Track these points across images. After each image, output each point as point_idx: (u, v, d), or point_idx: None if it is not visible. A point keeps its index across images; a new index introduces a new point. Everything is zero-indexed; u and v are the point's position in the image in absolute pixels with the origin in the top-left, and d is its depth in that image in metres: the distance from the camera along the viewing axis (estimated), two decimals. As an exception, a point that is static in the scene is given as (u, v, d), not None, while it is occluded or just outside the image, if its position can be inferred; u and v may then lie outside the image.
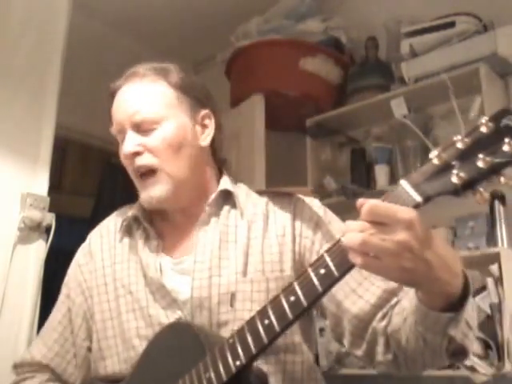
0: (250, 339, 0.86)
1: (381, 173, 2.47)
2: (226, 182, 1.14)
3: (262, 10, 2.82)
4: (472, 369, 1.85)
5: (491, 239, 2.06)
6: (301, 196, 1.13)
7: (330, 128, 2.72)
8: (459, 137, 0.69)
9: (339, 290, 0.99)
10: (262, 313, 0.86)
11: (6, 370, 1.78)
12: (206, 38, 3.10)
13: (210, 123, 1.16)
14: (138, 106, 1.09)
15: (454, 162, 0.69)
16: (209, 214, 1.11)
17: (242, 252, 1.06)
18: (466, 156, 0.68)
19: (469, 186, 0.68)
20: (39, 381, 1.14)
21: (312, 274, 0.79)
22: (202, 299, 1.03)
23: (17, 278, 1.84)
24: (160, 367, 1.00)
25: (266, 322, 0.84)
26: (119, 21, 3.01)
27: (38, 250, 1.92)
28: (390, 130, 2.51)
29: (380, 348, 0.94)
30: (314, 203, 1.12)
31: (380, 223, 0.70)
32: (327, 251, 0.78)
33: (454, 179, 0.68)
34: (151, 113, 1.08)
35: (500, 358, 1.86)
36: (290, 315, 0.82)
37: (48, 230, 1.93)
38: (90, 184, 3.94)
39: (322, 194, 2.54)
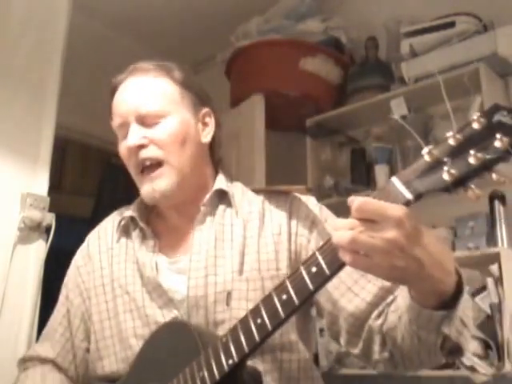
0: (242, 338, 0.86)
1: (381, 173, 2.47)
2: (221, 182, 1.14)
3: (262, 10, 2.82)
4: (472, 369, 1.85)
5: (491, 239, 2.06)
6: (297, 194, 1.12)
7: (330, 128, 2.72)
8: (451, 133, 0.69)
9: (335, 289, 0.99)
10: (255, 311, 0.86)
11: (6, 369, 1.78)
12: (205, 38, 3.10)
13: (211, 121, 1.16)
14: (142, 98, 1.09)
15: (445, 159, 0.68)
16: (204, 214, 1.11)
17: (237, 251, 1.06)
18: (458, 152, 0.67)
19: (460, 182, 0.67)
20: (41, 368, 1.15)
21: (304, 273, 0.79)
22: (198, 298, 1.03)
23: (17, 278, 1.84)
24: (155, 366, 1.00)
25: (259, 320, 0.84)
26: (119, 21, 3.01)
27: (38, 249, 1.91)
28: (390, 130, 2.51)
29: (376, 346, 0.94)
30: (310, 201, 1.12)
31: (370, 220, 0.69)
32: (319, 249, 0.78)
33: (445, 176, 0.67)
34: (156, 106, 1.08)
35: (500, 358, 1.86)
36: (281, 314, 0.82)
37: (48, 229, 1.93)
38: (89, 184, 3.94)
39: (321, 193, 2.54)
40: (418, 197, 0.70)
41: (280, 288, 0.83)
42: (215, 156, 1.19)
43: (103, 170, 3.68)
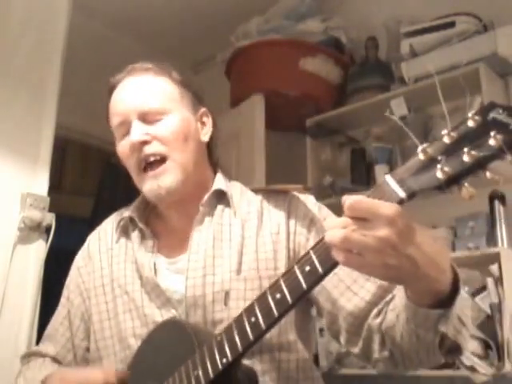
0: (236, 337, 0.86)
1: (381, 173, 2.47)
2: (219, 182, 1.15)
3: (262, 10, 2.82)
4: (472, 369, 1.85)
5: (491, 239, 2.06)
6: (296, 193, 1.12)
7: (330, 128, 2.72)
8: (445, 131, 0.68)
9: (334, 288, 0.99)
10: (250, 310, 0.86)
11: (6, 369, 1.78)
12: (205, 38, 3.10)
13: (208, 121, 1.17)
14: (143, 96, 1.09)
15: (439, 157, 0.67)
16: (203, 214, 1.11)
17: (236, 251, 1.06)
18: (452, 150, 0.66)
19: (454, 180, 0.66)
20: (42, 359, 1.16)
21: (298, 271, 0.79)
22: (196, 298, 1.03)
23: (17, 278, 1.84)
24: (152, 365, 1.00)
25: (253, 319, 0.84)
26: (119, 21, 3.01)
27: (38, 250, 1.92)
28: (390, 130, 2.51)
29: (376, 345, 0.94)
30: (309, 200, 1.12)
31: (362, 219, 0.69)
32: (313, 248, 0.78)
33: (439, 174, 0.66)
34: (157, 103, 1.09)
35: (500, 358, 1.86)
36: (275, 313, 0.82)
37: (48, 230, 1.93)
38: (89, 184, 3.94)
39: (321, 193, 2.54)
40: (412, 195, 0.69)
41: (274, 287, 0.83)
42: (213, 156, 1.20)
43: (103, 169, 3.68)
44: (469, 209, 2.14)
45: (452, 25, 2.32)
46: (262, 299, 0.84)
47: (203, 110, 1.17)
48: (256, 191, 1.16)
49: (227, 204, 1.12)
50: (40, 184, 1.96)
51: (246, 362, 0.95)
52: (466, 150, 0.65)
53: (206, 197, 1.11)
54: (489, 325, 1.91)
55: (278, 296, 0.81)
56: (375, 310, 0.95)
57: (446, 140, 0.67)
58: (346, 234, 0.68)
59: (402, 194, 0.69)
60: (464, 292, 0.82)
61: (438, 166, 0.66)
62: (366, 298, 0.96)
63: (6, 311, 1.79)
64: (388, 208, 0.68)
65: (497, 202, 2.09)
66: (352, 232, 0.69)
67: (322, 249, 0.75)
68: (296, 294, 0.80)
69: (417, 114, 2.41)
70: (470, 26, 2.29)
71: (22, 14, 1.99)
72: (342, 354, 2.19)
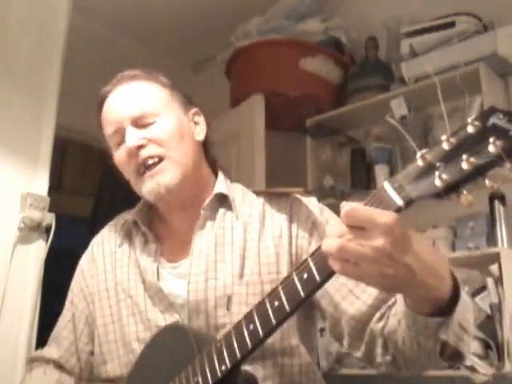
0: (235, 344, 0.86)
1: (381, 173, 2.47)
2: (221, 185, 1.14)
3: (262, 10, 2.82)
4: (472, 369, 1.86)
5: (491, 239, 2.06)
6: (298, 196, 1.12)
7: (330, 128, 2.72)
8: (445, 137, 0.66)
9: (336, 292, 0.99)
10: (249, 317, 0.85)
11: (7, 370, 1.78)
12: (205, 38, 3.10)
13: (201, 120, 1.18)
14: (134, 101, 1.10)
15: (438, 164, 0.65)
16: (204, 218, 1.11)
17: (238, 254, 1.06)
18: (451, 157, 0.65)
19: (452, 188, 0.64)
20: (44, 367, 1.17)
21: (296, 279, 0.78)
22: (198, 302, 1.03)
23: (17, 278, 1.84)
24: (153, 370, 1.00)
25: (251, 326, 0.84)
26: (119, 21, 3.01)
27: (38, 250, 1.91)
28: (390, 130, 2.51)
29: (379, 349, 0.93)
30: (311, 202, 1.11)
31: (359, 227, 0.68)
32: (311, 255, 0.77)
33: (437, 181, 0.65)
34: (149, 107, 1.09)
35: (500, 358, 1.86)
36: (273, 321, 0.81)
37: (48, 230, 1.93)
38: (90, 184, 3.94)
39: (321, 193, 2.54)
40: (409, 203, 0.67)
41: (273, 294, 0.82)
42: (209, 156, 1.20)
43: (103, 170, 3.68)
44: (469, 209, 2.14)
45: (452, 25, 2.32)
46: (260, 306, 0.84)
47: (194, 109, 1.17)
48: (258, 193, 1.16)
49: (229, 207, 1.12)
50: (40, 184, 1.96)
51: (248, 367, 0.96)
52: (464, 156, 0.63)
53: (207, 200, 1.11)
54: (489, 325, 1.91)
55: (277, 304, 0.81)
56: (377, 314, 0.94)
57: (445, 146, 0.65)
58: (342, 243, 0.67)
59: (399, 201, 0.67)
60: (466, 297, 0.81)
61: (437, 173, 0.65)
62: (368, 302, 0.96)
63: (5, 311, 1.79)
64: (385, 217, 0.66)
65: (497, 202, 2.09)
66: (348, 241, 0.68)
67: (320, 257, 0.75)
68: (294, 302, 0.79)
69: (417, 113, 2.41)
70: (470, 25, 2.29)
71: (21, 14, 1.99)
72: (342, 354, 2.19)
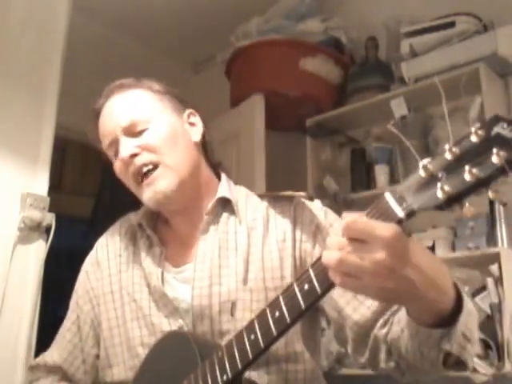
0: (236, 354, 0.85)
1: (381, 173, 2.47)
2: (223, 189, 1.14)
3: (262, 10, 2.82)
4: (472, 369, 1.86)
5: (491, 239, 2.06)
6: (302, 199, 1.11)
7: (330, 128, 2.72)
8: (448, 146, 0.64)
9: (340, 297, 0.98)
10: (250, 327, 0.85)
11: (7, 370, 1.78)
12: (205, 37, 3.10)
13: (197, 120, 1.17)
14: (124, 111, 1.10)
15: (440, 174, 0.64)
16: (207, 223, 1.11)
17: (242, 259, 1.05)
18: (453, 167, 0.63)
19: (454, 200, 0.63)
20: (51, 380, 1.16)
21: (297, 289, 0.78)
22: (202, 308, 1.03)
23: (17, 278, 1.84)
24: (156, 377, 1.00)
25: (252, 336, 0.84)
26: (119, 21, 3.01)
27: (38, 250, 1.91)
28: (390, 131, 2.51)
29: (382, 355, 0.93)
30: (315, 205, 1.11)
31: (360, 240, 0.67)
32: (312, 265, 0.76)
33: (439, 193, 0.63)
34: (139, 114, 1.09)
35: (500, 358, 1.86)
36: (274, 331, 0.81)
37: (48, 230, 1.93)
38: (89, 184, 3.94)
39: (321, 194, 2.54)
40: (411, 215, 0.66)
41: (274, 304, 0.82)
42: (210, 156, 1.19)
43: (103, 170, 3.68)
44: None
45: (452, 25, 2.32)
46: (261, 316, 0.84)
47: (189, 110, 1.17)
48: (261, 196, 1.16)
49: (232, 212, 1.12)
50: (40, 184, 1.96)
51: (252, 373, 0.96)
52: (467, 167, 0.62)
53: (210, 205, 1.11)
54: (489, 325, 1.91)
55: (277, 314, 0.81)
56: (381, 321, 0.94)
57: (448, 156, 0.64)
58: (342, 256, 0.67)
59: (400, 213, 0.66)
60: (470, 305, 0.80)
61: (439, 184, 0.63)
62: (371, 308, 0.95)
63: (5, 311, 1.79)
64: (385, 230, 0.65)
65: (497, 202, 2.09)
66: (348, 254, 0.67)
67: (321, 267, 0.74)
68: (294, 314, 0.79)
69: (417, 113, 2.41)
70: (470, 25, 2.29)
71: (22, 14, 1.99)
72: (342, 353, 2.19)
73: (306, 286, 0.76)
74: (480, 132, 0.62)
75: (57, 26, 2.10)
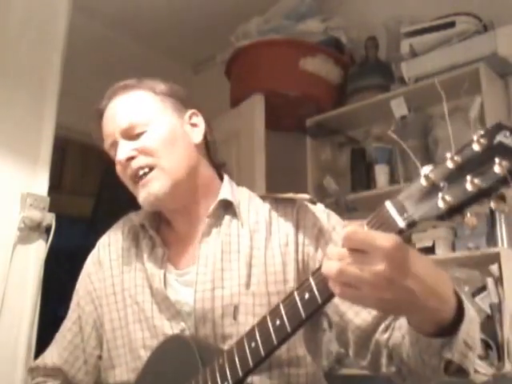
0: (237, 361, 0.85)
1: (381, 173, 2.48)
2: (225, 191, 1.13)
3: (262, 10, 2.82)
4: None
5: (491, 239, 2.06)
6: (304, 202, 1.10)
7: (330, 128, 2.72)
8: (449, 155, 0.63)
9: (342, 301, 0.97)
10: (251, 335, 0.85)
11: (7, 370, 1.78)
12: (205, 38, 3.10)
13: (199, 120, 1.16)
14: (123, 114, 1.10)
15: (441, 184, 0.63)
16: (210, 225, 1.10)
17: (244, 263, 1.05)
18: (455, 177, 0.62)
19: (455, 210, 0.62)
20: None
21: (297, 298, 0.77)
22: (205, 311, 1.02)
23: (17, 278, 1.84)
24: (158, 380, 1.00)
25: (253, 344, 0.83)
26: (119, 21, 3.01)
27: (38, 250, 1.91)
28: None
29: (384, 360, 0.93)
30: (318, 208, 1.10)
31: (360, 250, 0.66)
32: (313, 274, 0.76)
33: (440, 203, 0.62)
34: (137, 117, 1.09)
35: (500, 358, 1.86)
36: (274, 340, 0.81)
37: (48, 230, 1.93)
38: (90, 184, 3.95)
39: (322, 193, 2.54)
40: (412, 225, 0.65)
41: (274, 312, 0.82)
42: (213, 156, 1.18)
43: (103, 169, 3.68)
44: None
45: (452, 25, 2.32)
46: (262, 324, 0.84)
47: (191, 111, 1.16)
48: (264, 198, 1.15)
49: (234, 214, 1.11)
50: (40, 184, 1.96)
51: (255, 377, 0.96)
52: (469, 177, 0.61)
53: (211, 208, 1.10)
54: (489, 325, 1.91)
55: (278, 323, 0.80)
56: (383, 325, 0.94)
57: (450, 165, 0.63)
58: (342, 267, 0.66)
59: (401, 223, 0.66)
60: (472, 312, 0.79)
61: (440, 194, 0.63)
62: (373, 312, 0.95)
63: (5, 311, 1.79)
64: (385, 241, 0.65)
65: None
66: (347, 265, 0.66)
67: (321, 277, 0.74)
68: (295, 323, 0.79)
69: (417, 113, 2.41)
70: (470, 25, 2.29)
71: (21, 14, 1.99)
72: (342, 353, 2.19)
73: (307, 295, 0.76)
74: (482, 140, 0.62)
75: (57, 26, 2.10)
